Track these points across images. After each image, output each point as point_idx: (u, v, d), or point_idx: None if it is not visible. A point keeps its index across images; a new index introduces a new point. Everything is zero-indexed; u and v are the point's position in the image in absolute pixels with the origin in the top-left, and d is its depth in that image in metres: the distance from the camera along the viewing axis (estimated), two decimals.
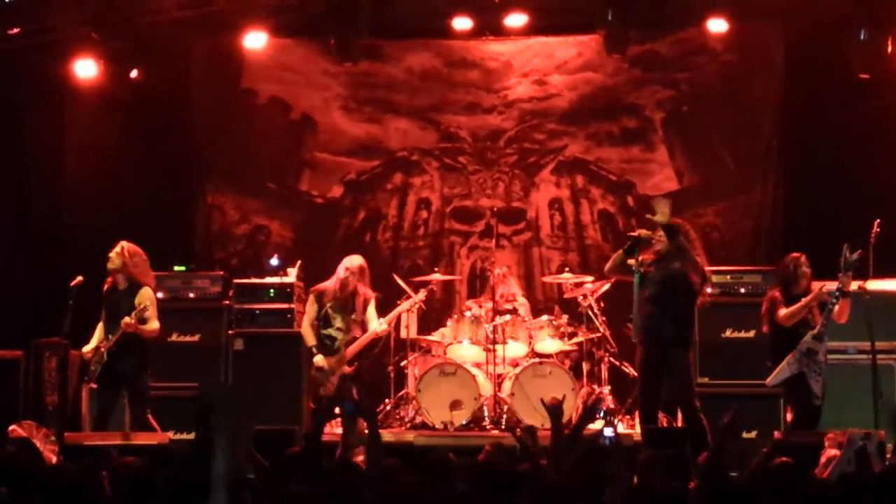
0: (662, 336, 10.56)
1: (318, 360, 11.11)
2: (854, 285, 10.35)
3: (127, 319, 10.39)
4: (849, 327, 10.30)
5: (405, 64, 14.65)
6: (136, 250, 10.85)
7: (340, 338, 11.17)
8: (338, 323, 11.19)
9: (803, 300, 10.20)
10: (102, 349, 10.59)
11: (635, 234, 10.77)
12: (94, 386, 10.84)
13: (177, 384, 11.28)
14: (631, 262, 10.65)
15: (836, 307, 10.03)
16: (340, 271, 11.24)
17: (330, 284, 11.31)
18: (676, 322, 10.59)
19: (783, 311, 10.24)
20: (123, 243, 10.84)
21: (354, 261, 11.32)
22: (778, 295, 10.40)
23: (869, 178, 13.28)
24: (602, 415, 11.94)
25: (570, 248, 14.51)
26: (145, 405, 10.69)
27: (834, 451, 8.56)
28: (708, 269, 11.78)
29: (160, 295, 11.20)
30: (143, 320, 10.50)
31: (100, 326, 10.82)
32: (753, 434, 11.45)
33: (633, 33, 13.96)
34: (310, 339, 11.25)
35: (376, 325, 11.18)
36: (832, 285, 10.13)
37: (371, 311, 11.26)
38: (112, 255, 10.80)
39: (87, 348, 10.81)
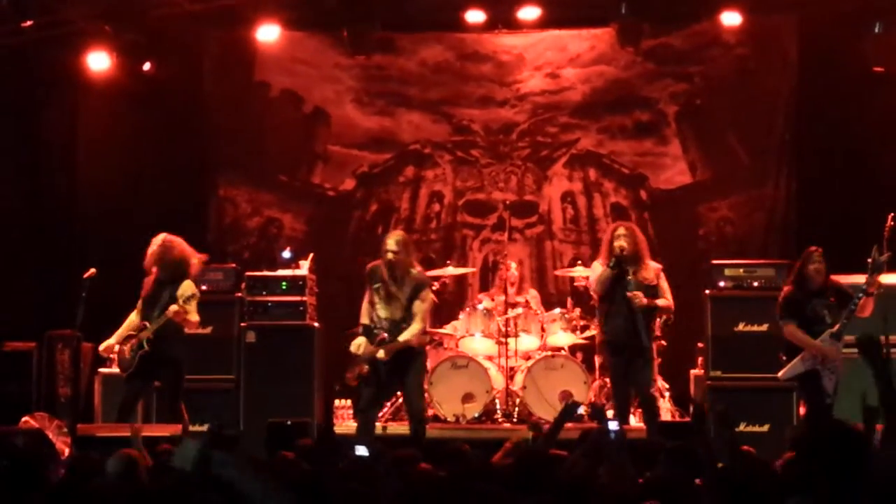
0: (639, 342, 10.69)
1: (354, 344, 10.57)
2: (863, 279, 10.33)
3: (174, 307, 10.34)
4: (861, 321, 10.25)
5: (418, 57, 14.64)
6: (178, 241, 10.79)
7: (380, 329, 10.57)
8: (381, 311, 10.57)
9: (813, 345, 10.11)
10: (142, 336, 10.52)
11: (618, 251, 10.71)
12: (124, 374, 10.75)
13: (189, 376, 11.24)
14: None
15: (859, 306, 10.01)
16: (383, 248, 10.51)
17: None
18: (648, 329, 10.84)
19: (791, 330, 10.17)
20: (164, 235, 10.76)
21: (395, 235, 10.67)
22: (788, 291, 10.33)
23: (883, 172, 13.25)
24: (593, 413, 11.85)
25: (583, 242, 14.49)
26: (179, 396, 10.64)
27: None
28: (721, 262, 11.87)
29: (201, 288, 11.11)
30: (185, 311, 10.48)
31: (131, 318, 10.76)
32: (766, 427, 11.45)
33: (646, 26, 13.89)
34: (361, 317, 10.70)
35: (407, 333, 10.43)
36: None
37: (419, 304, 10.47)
38: (153, 247, 10.69)
39: (110, 341, 10.72)
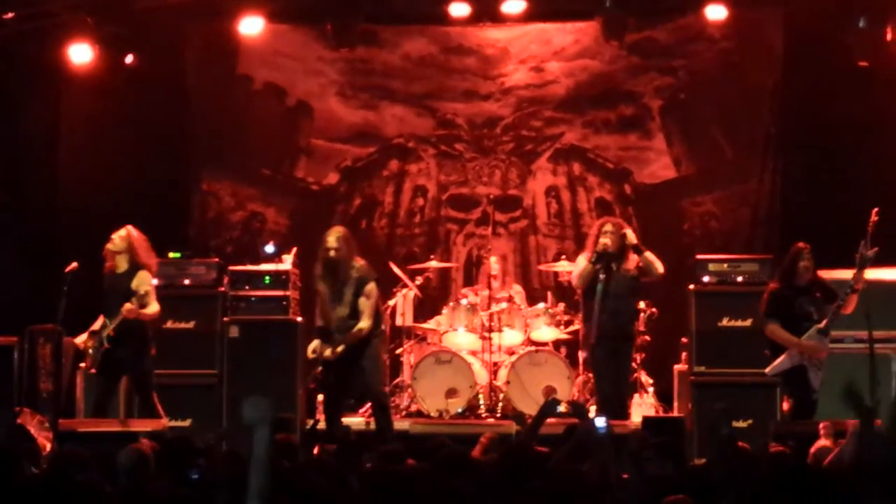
0: (623, 333, 10.96)
1: (309, 348, 10.70)
2: (851, 273, 10.33)
3: (128, 305, 10.30)
4: (846, 317, 10.26)
5: (402, 50, 14.60)
6: (141, 235, 10.76)
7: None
8: (331, 310, 10.62)
9: (795, 343, 10.09)
10: (102, 334, 10.51)
11: (601, 248, 10.85)
12: (94, 371, 10.76)
13: (171, 371, 11.20)
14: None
15: (846, 302, 10.02)
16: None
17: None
18: (632, 320, 11.20)
19: (773, 329, 10.15)
20: (129, 227, 10.74)
21: (334, 232, 10.65)
22: (775, 288, 10.32)
23: (867, 167, 13.27)
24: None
25: (567, 237, 14.48)
26: (150, 390, 10.62)
27: (825, 442, 8.51)
28: (705, 257, 11.87)
29: (154, 282, 11.11)
30: (142, 304, 10.43)
31: (100, 317, 10.73)
32: (749, 423, 11.43)
33: (630, 20, 13.90)
34: (316, 318, 10.77)
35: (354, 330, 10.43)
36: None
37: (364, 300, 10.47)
38: (115, 237, 10.68)
39: (81, 337, 10.73)
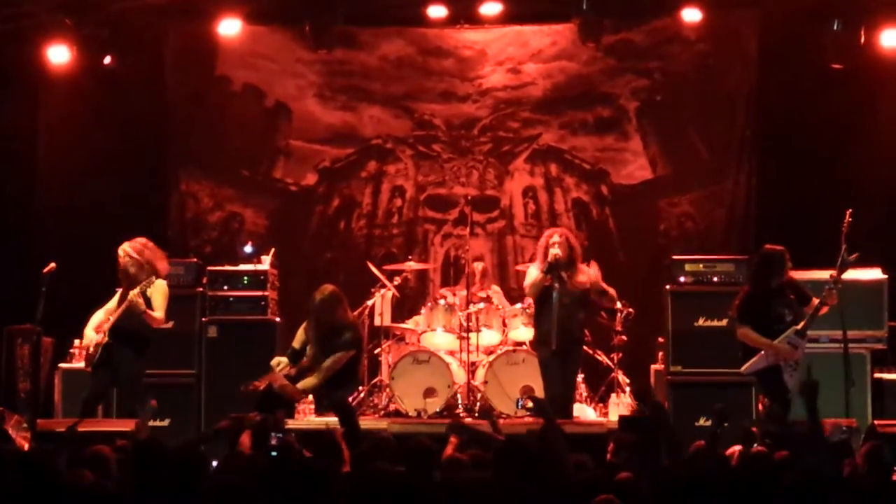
0: (573, 337, 11.24)
1: (275, 360, 10.60)
2: (826, 274, 10.41)
3: (135, 292, 10.36)
4: (821, 316, 10.33)
5: (380, 52, 14.63)
6: (139, 247, 10.73)
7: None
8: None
9: (768, 345, 10.10)
10: (105, 329, 10.52)
11: (552, 259, 11.15)
12: (88, 369, 10.75)
13: (150, 371, 11.21)
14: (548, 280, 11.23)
15: (826, 307, 10.09)
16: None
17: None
18: (583, 327, 11.48)
19: (745, 332, 10.19)
20: (125, 245, 10.69)
21: (320, 292, 10.48)
22: (747, 291, 10.33)
23: (842, 168, 13.36)
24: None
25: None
26: (137, 392, 10.64)
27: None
28: (681, 257, 11.93)
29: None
30: (149, 306, 10.46)
31: (97, 314, 10.73)
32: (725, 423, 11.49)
33: (607, 22, 13.97)
34: (294, 340, 10.69)
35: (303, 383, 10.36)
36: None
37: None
38: (122, 262, 10.63)
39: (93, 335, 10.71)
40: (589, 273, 11.41)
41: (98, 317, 10.72)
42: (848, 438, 8.11)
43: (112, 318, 10.53)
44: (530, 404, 10.44)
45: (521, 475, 5.97)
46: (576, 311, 11.25)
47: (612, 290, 11.78)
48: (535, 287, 11.28)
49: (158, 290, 10.57)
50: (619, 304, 12.28)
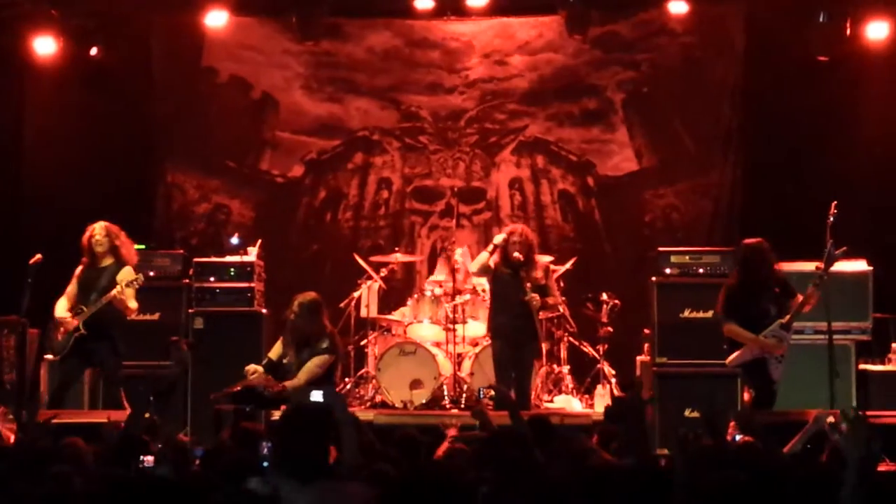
0: (527, 332, 11.16)
1: (251, 367, 10.46)
2: (811, 266, 10.43)
3: (116, 290, 10.37)
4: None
5: (366, 43, 14.63)
6: (117, 230, 10.80)
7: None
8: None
9: (753, 339, 10.11)
10: (77, 321, 10.52)
11: (514, 260, 11.14)
12: (56, 358, 10.78)
13: (136, 363, 11.21)
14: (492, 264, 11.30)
15: (812, 302, 10.10)
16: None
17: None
18: (533, 319, 11.23)
19: (730, 328, 10.19)
20: (104, 223, 10.76)
21: (301, 298, 10.44)
22: (731, 285, 10.34)
23: (827, 160, 13.38)
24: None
25: (531, 228, 14.51)
26: (119, 382, 10.66)
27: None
28: (667, 249, 11.99)
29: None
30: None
31: (61, 302, 10.74)
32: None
33: (593, 14, 14.01)
34: (272, 350, 10.65)
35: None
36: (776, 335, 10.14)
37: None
38: (98, 237, 10.70)
39: (63, 314, 10.70)
40: (543, 264, 11.50)
41: (63, 304, 10.72)
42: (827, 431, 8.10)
43: (88, 310, 10.51)
44: (492, 393, 10.43)
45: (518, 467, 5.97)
46: (531, 306, 11.12)
47: (557, 296, 11.69)
48: (480, 267, 11.37)
49: (132, 277, 10.59)
50: (561, 310, 12.41)
